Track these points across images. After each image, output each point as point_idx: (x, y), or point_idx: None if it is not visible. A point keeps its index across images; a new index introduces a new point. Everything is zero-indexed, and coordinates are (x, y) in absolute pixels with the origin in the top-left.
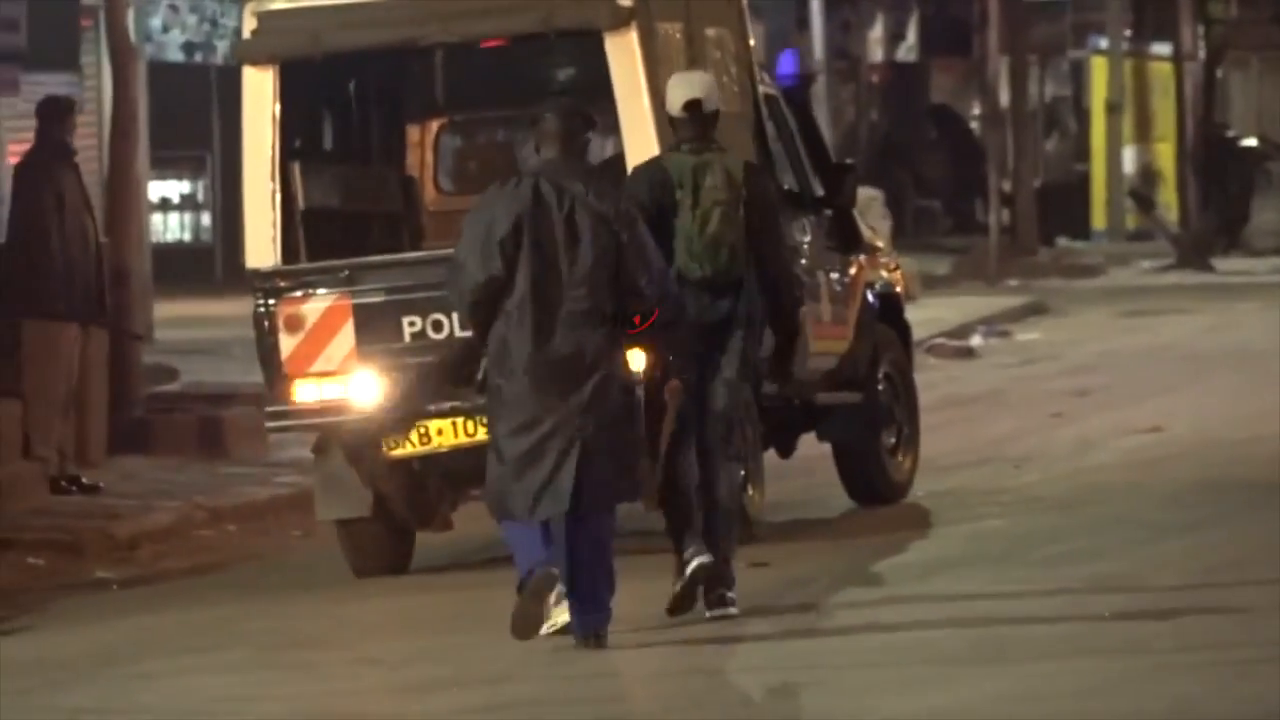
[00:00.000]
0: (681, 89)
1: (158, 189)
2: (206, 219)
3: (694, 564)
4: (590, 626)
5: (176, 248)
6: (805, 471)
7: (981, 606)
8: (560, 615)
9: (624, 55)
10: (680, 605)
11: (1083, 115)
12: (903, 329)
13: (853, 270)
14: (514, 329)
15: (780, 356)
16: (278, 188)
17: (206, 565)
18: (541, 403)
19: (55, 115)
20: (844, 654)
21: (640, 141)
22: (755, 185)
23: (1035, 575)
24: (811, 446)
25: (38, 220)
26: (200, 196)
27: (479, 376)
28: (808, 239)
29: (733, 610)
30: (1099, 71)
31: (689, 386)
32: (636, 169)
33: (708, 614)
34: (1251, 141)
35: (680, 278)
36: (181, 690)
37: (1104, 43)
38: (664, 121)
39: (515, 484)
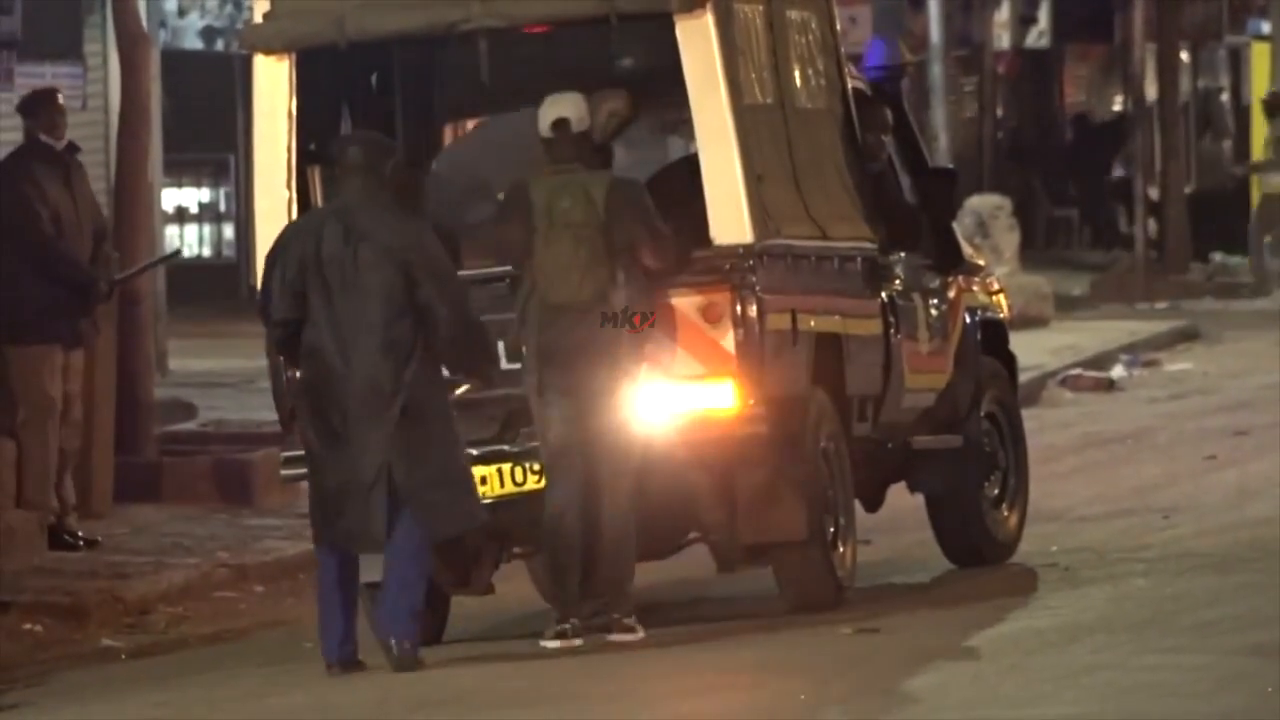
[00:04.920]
0: (549, 109)
1: (173, 197)
2: (229, 231)
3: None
4: (395, 633)
5: (195, 265)
6: (891, 528)
7: (1122, 679)
8: None
9: (698, 41)
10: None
11: (1242, 111)
12: (1008, 361)
13: (952, 293)
14: (323, 365)
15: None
16: (294, 196)
17: (229, 632)
18: (349, 438)
19: (32, 111)
20: None
21: (716, 140)
22: (619, 201)
23: (1185, 644)
24: (901, 499)
25: (6, 232)
26: (222, 206)
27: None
28: (899, 256)
29: (630, 636)
30: (1260, 61)
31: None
32: (505, 192)
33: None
34: None
35: (543, 303)
36: None
37: (1266, 27)
38: (743, 116)
39: (336, 517)
